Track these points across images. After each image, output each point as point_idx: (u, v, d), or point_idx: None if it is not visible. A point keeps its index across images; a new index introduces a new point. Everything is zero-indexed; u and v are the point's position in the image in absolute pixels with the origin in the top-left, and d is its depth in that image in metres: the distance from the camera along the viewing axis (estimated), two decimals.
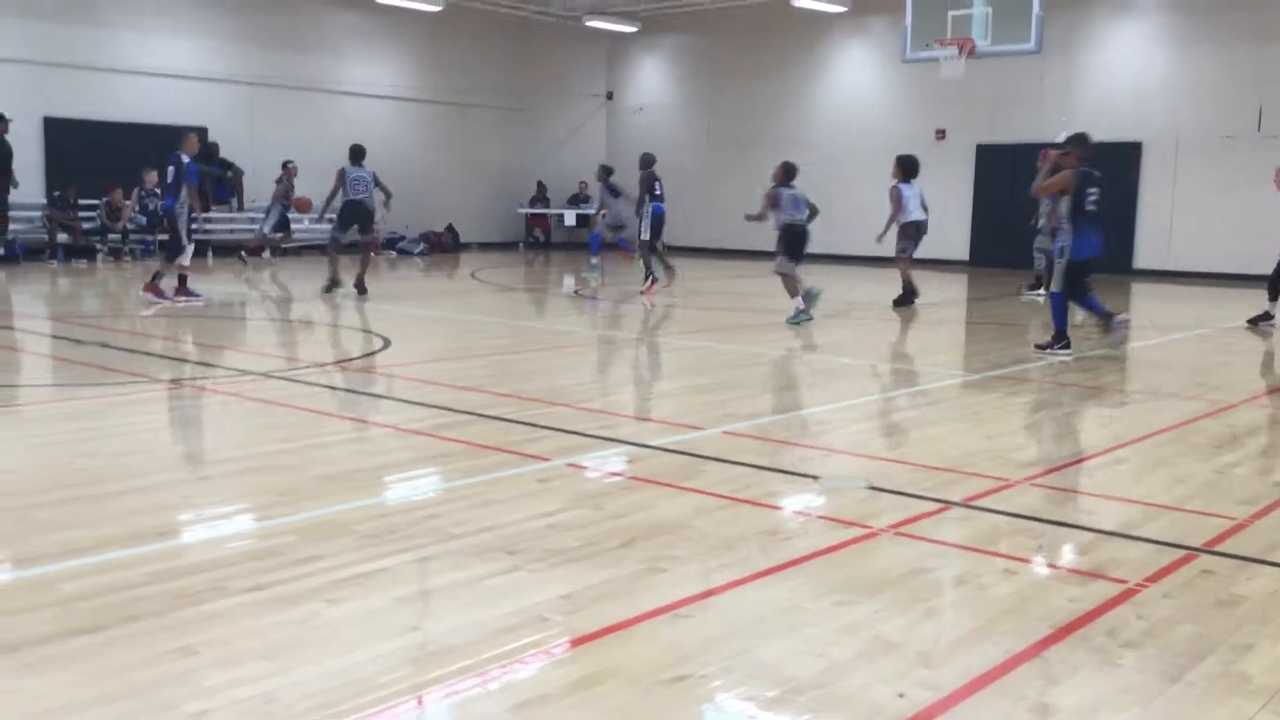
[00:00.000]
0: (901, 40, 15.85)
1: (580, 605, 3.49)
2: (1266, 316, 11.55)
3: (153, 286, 12.12)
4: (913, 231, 13.50)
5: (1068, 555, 4.14)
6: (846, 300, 14.41)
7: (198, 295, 12.35)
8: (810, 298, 11.15)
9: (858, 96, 22.21)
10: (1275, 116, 17.51)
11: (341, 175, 13.20)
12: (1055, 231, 9.64)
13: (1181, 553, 4.12)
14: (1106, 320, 9.30)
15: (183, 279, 12.33)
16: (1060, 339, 9.11)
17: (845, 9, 21.06)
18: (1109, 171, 19.01)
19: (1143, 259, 19.11)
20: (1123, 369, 9.26)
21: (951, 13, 15.13)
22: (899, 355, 9.98)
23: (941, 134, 21.01)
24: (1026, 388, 7.85)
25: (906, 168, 13.41)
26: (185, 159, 12.22)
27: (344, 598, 3.51)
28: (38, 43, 17.88)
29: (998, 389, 7.79)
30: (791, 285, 11.24)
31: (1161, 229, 18.94)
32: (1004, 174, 20.23)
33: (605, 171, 16.55)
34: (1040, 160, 12.97)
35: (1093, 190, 8.88)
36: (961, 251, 20.78)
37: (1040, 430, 6.43)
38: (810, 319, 11.06)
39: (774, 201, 11.19)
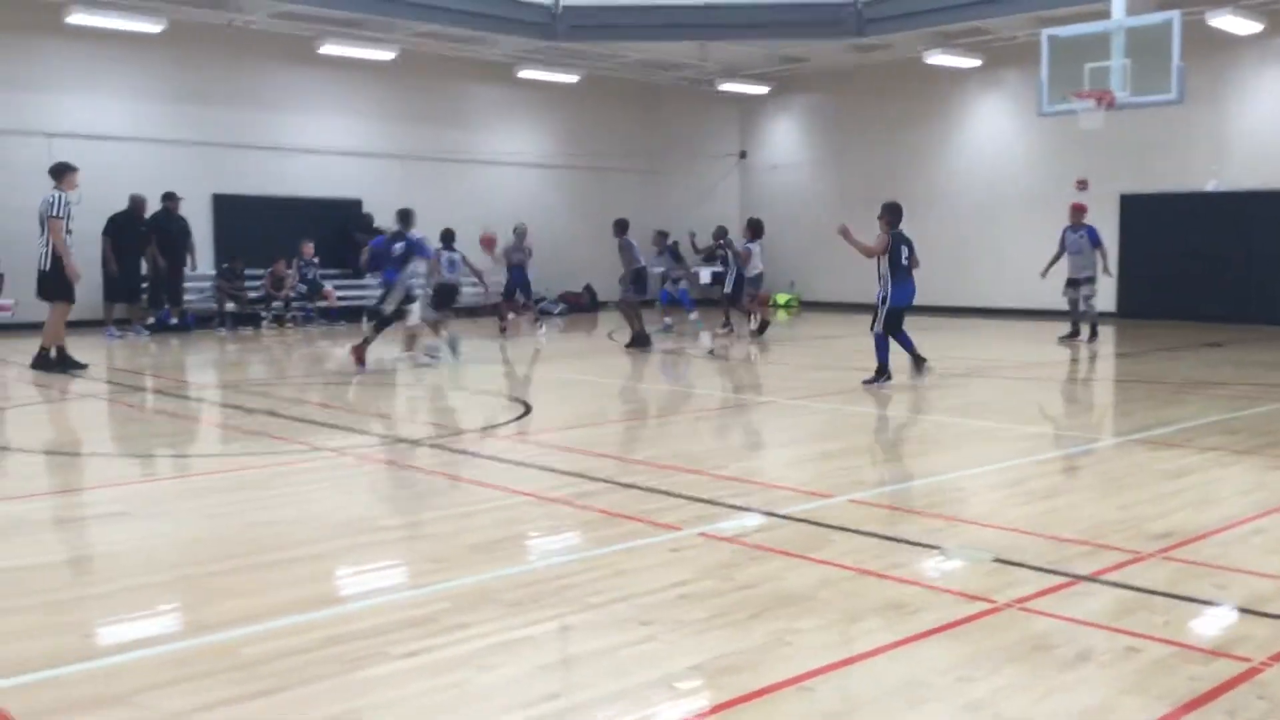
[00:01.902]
0: (1037, 93, 15.75)
1: (710, 676, 3.71)
2: None
3: (358, 352, 12.65)
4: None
5: (1193, 632, 4.16)
6: (985, 357, 14.31)
7: (364, 367, 12.64)
8: (451, 345, 13.13)
9: (994, 149, 22.07)
10: None
11: (437, 256, 14.01)
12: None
13: None
14: (919, 363, 10.97)
15: (366, 342, 12.77)
16: (883, 372, 10.85)
17: (979, 63, 21.02)
18: (1265, 220, 18.54)
19: None
20: (1272, 432, 9.01)
21: (1089, 65, 14.95)
22: (1036, 417, 9.91)
23: (1083, 184, 20.67)
24: (1168, 453, 7.75)
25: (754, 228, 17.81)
26: (416, 235, 12.79)
27: (493, 665, 3.81)
28: (207, 126, 19.28)
29: (1137, 453, 7.71)
30: (428, 330, 13.50)
31: None
32: (1151, 224, 19.80)
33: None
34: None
35: (903, 247, 10.76)
36: (1108, 303, 20.31)
37: (1177, 499, 6.38)
38: (436, 361, 12.98)
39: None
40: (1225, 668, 3.73)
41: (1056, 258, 15.94)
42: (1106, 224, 20.28)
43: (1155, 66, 14.34)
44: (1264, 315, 18.44)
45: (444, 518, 5.98)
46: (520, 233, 17.95)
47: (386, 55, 20.01)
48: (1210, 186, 19.05)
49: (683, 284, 18.49)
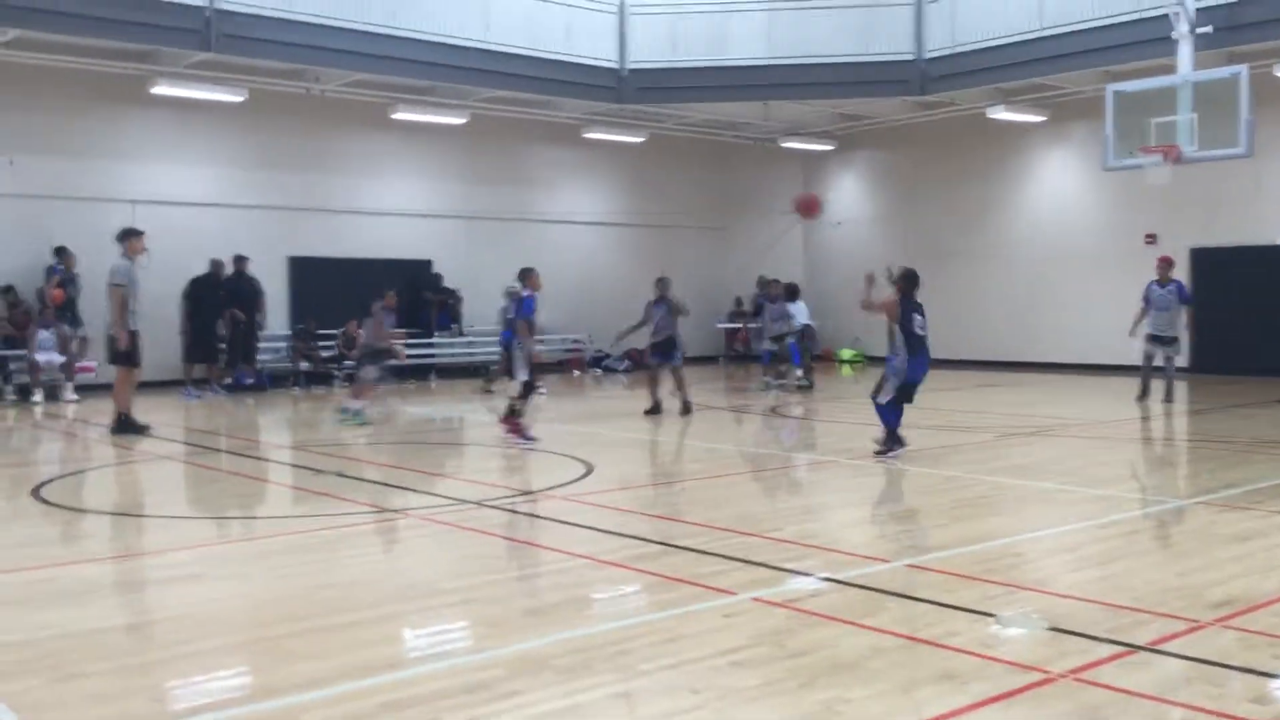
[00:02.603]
0: (1103, 148, 15.69)
1: None
2: None
3: (510, 424, 11.66)
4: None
5: (1252, 706, 4.12)
6: (1050, 415, 14.16)
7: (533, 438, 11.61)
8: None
9: (1059, 203, 21.94)
10: None
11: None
12: None
13: None
14: (892, 440, 10.19)
15: (513, 412, 11.73)
16: (893, 438, 10.17)
17: (1043, 119, 20.98)
18: None
19: None
20: None
21: (1155, 120, 14.90)
22: (1098, 479, 9.75)
23: (1152, 238, 20.43)
24: (1232, 515, 7.62)
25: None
26: (525, 293, 11.85)
27: None
28: (284, 190, 19.93)
29: (1200, 517, 7.61)
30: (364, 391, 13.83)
31: None
32: (1221, 278, 19.48)
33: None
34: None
35: (917, 316, 10.07)
36: (1181, 359, 19.95)
37: (1239, 565, 6.28)
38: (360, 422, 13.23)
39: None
40: None
41: (1143, 314, 15.38)
42: (1177, 277, 20.03)
43: (1223, 120, 14.24)
44: None
45: (502, 580, 6.12)
46: (511, 295, 17.47)
47: (457, 120, 20.55)
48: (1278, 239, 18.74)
49: (790, 339, 18.44)
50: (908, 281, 10.23)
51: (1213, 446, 11.41)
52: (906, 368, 9.99)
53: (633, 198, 24.50)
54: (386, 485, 9.44)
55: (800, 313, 18.55)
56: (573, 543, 6.98)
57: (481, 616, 5.40)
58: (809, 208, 13.03)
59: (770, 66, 20.63)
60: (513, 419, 11.66)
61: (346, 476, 9.72)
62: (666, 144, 24.06)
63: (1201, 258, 19.80)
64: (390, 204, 21.22)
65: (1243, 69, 13.81)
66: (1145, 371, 15.26)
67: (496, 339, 19.04)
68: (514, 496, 8.80)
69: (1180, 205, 19.32)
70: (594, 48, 20.51)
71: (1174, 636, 4.92)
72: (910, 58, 20.43)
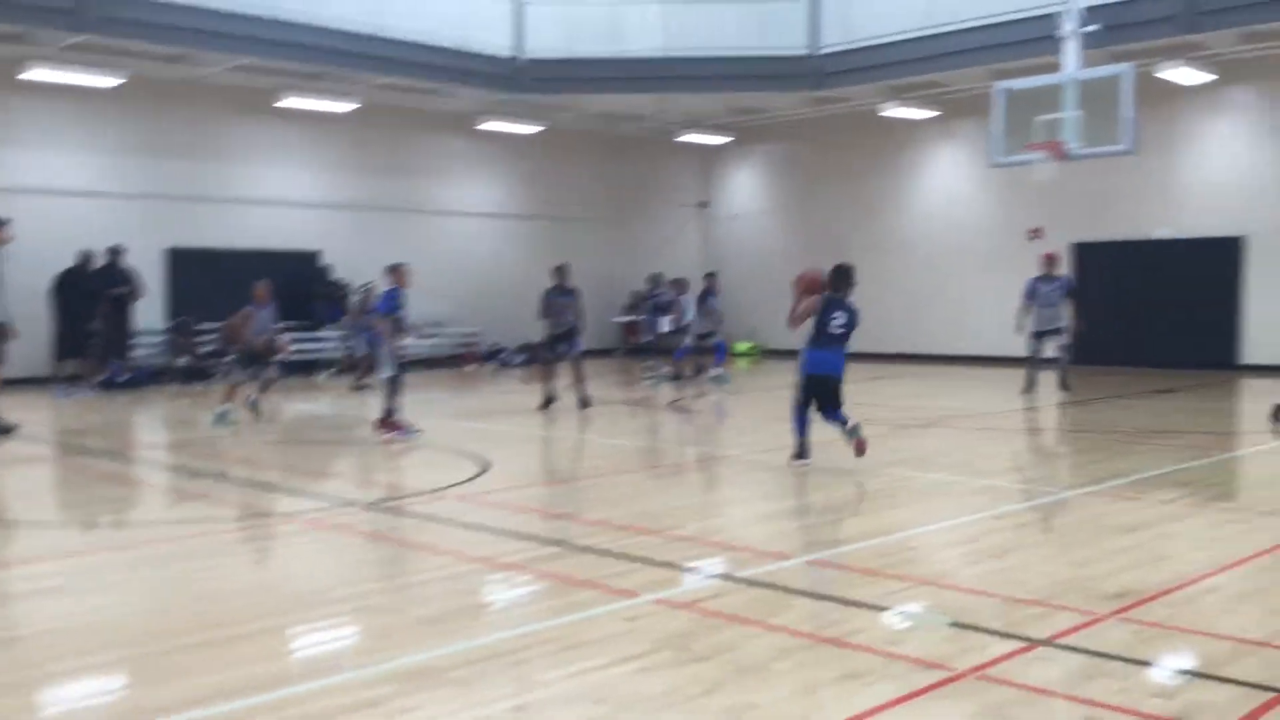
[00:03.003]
0: (991, 145, 15.95)
1: None
2: None
3: (386, 425, 11.51)
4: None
5: (1153, 700, 4.13)
6: (941, 407, 14.37)
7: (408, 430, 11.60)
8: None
9: (950, 198, 22.35)
10: None
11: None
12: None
13: (1270, 695, 4.08)
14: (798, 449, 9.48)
15: (387, 414, 11.60)
16: (801, 453, 9.43)
17: (934, 115, 21.32)
18: (1211, 266, 18.86)
19: (1250, 354, 18.65)
20: (1223, 483, 9.08)
21: (1041, 117, 15.17)
22: (990, 470, 9.89)
23: (1036, 232, 20.92)
24: (1120, 506, 7.77)
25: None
26: (385, 288, 11.89)
27: None
28: (163, 179, 19.13)
29: (1089, 507, 7.73)
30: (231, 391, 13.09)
31: (1269, 323, 18.49)
32: (1103, 271, 20.05)
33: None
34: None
35: (837, 315, 9.41)
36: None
37: (1130, 555, 6.37)
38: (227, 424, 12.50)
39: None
40: None
41: (1026, 309, 15.45)
42: (1061, 272, 20.57)
43: (1106, 118, 14.55)
44: (1213, 360, 18.69)
45: (394, 588, 5.88)
46: (367, 290, 17.08)
47: (346, 107, 19.99)
48: (1160, 234, 19.36)
49: (718, 336, 18.40)
50: (837, 278, 9.58)
51: (1097, 437, 11.68)
52: (805, 360, 9.44)
53: (529, 190, 24.20)
54: (270, 487, 9.07)
55: (689, 307, 18.71)
56: (468, 545, 6.76)
57: (373, 627, 5.17)
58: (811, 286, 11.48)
59: (667, 59, 20.54)
60: (387, 420, 11.50)
61: (227, 479, 9.32)
62: (563, 136, 23.83)
63: (1084, 252, 20.35)
64: (275, 193, 20.55)
65: (1126, 68, 14.14)
66: (1031, 365, 15.46)
67: (354, 334, 18.47)
68: (406, 497, 8.53)
69: (1065, 201, 19.82)
70: (489, 37, 20.16)
71: (1073, 630, 4.93)
72: (805, 53, 20.57)
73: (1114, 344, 19.74)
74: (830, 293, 9.49)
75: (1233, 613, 5.17)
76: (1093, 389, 16.25)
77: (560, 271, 14.52)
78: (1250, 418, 14.22)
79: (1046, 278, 15.51)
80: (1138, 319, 19.69)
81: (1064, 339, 15.35)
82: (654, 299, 19.65)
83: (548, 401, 14.03)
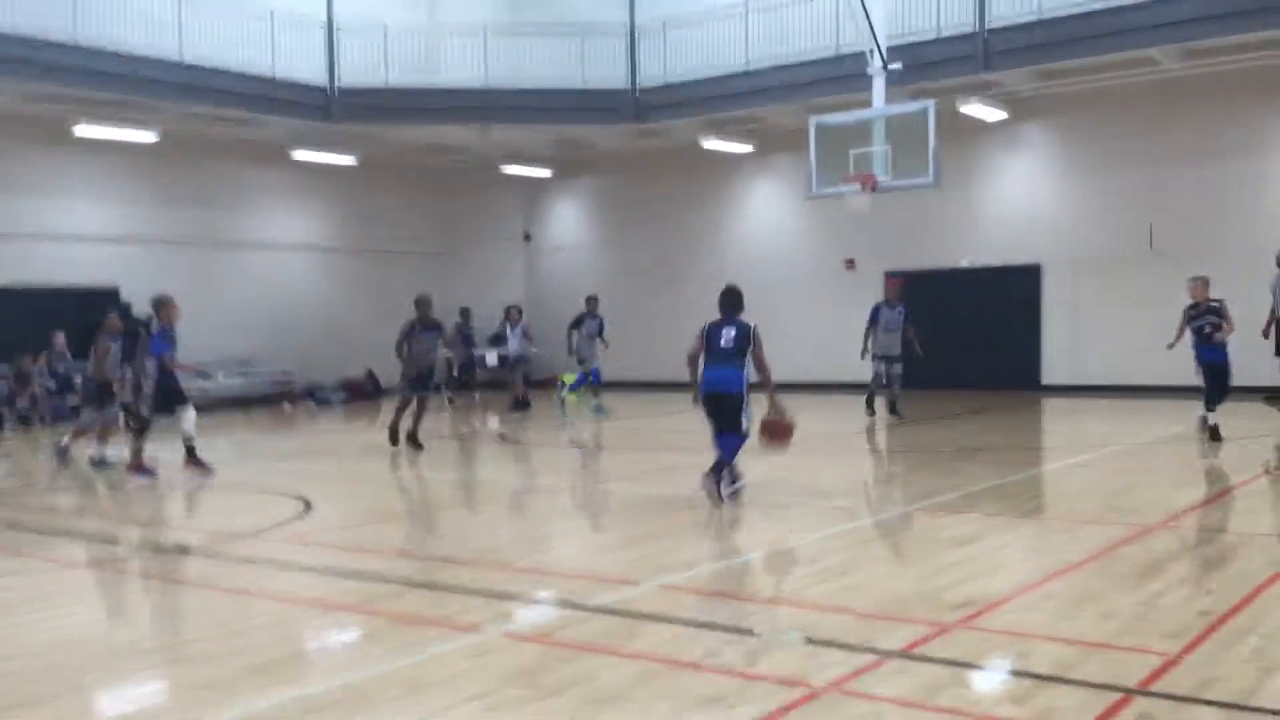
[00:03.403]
0: (807, 177, 16.39)
1: None
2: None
3: (135, 465, 11.07)
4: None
5: (1006, 705, 4.15)
6: None
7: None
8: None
9: (768, 230, 22.85)
10: (1164, 234, 18.35)
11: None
12: None
13: (1117, 695, 4.15)
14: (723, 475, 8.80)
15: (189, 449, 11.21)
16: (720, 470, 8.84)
17: (750, 149, 21.81)
18: (1012, 293, 19.84)
19: (1050, 375, 19.68)
20: (1041, 495, 9.45)
21: (853, 151, 15.68)
22: (828, 491, 10.01)
23: (850, 263, 21.62)
24: (952, 519, 7.95)
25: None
26: (155, 330, 11.32)
27: None
28: None
29: (923, 522, 7.89)
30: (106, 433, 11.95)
31: (1065, 346, 19.58)
32: (913, 299, 20.80)
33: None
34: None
35: (725, 330, 9.14)
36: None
37: (968, 567, 6.50)
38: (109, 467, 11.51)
39: None
40: None
41: (870, 334, 15.41)
42: (872, 300, 21.26)
43: (914, 152, 15.17)
44: (1017, 381, 19.63)
45: (216, 635, 5.42)
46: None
47: (148, 137, 18.96)
48: (964, 263, 20.27)
49: (594, 364, 18.17)
50: (724, 299, 9.49)
51: (924, 456, 12.03)
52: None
53: (348, 223, 23.49)
54: (74, 534, 8.36)
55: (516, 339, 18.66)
56: (297, 588, 6.35)
57: (195, 678, 4.72)
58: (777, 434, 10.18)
59: (485, 90, 20.39)
60: (137, 459, 11.03)
61: (22, 529, 8.56)
62: (382, 167, 23.28)
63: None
64: (70, 227, 19.27)
65: (930, 104, 14.77)
66: (873, 388, 15.61)
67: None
68: (224, 541, 7.99)
69: (877, 232, 20.53)
70: (302, 65, 19.55)
71: (924, 641, 4.95)
72: (625, 87, 20.76)
73: (930, 368, 20.51)
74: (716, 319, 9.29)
75: (1072, 618, 5.30)
76: (914, 410, 16.77)
77: (421, 304, 13.39)
78: (1056, 434, 14.97)
79: (890, 304, 15.69)
80: (948, 344, 20.53)
81: (900, 366, 15.38)
82: (464, 333, 19.64)
83: (395, 438, 13.11)
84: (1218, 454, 11.16)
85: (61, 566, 7.20)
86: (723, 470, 8.72)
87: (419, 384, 13.10)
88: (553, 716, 4.10)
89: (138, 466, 11.05)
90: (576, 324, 18.20)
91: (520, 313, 19.73)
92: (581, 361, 18.08)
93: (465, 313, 20.97)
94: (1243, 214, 17.71)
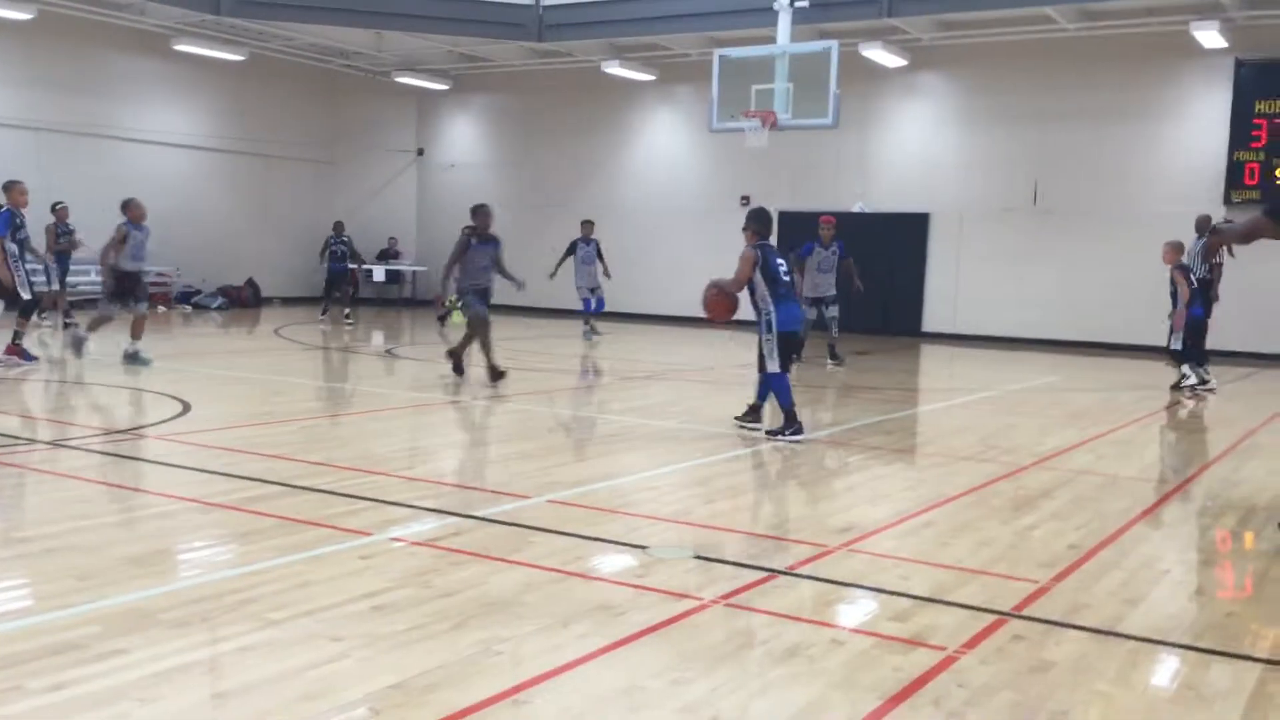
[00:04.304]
0: (708, 110, 16.35)
1: (413, 695, 3.38)
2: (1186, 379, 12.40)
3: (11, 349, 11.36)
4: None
5: (889, 623, 4.28)
6: (663, 361, 14.65)
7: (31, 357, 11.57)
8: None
9: (666, 160, 22.77)
10: (1048, 191, 18.91)
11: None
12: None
13: (993, 617, 4.32)
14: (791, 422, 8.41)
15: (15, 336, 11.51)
16: (792, 421, 8.38)
17: (653, 77, 21.62)
18: (901, 240, 20.24)
19: (930, 323, 20.19)
20: (921, 433, 9.72)
21: (755, 86, 15.67)
22: (715, 419, 10.13)
23: (746, 200, 21.71)
24: (837, 451, 8.13)
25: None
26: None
27: (156, 696, 3.29)
28: None
29: (811, 452, 8.04)
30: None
31: (947, 295, 20.08)
32: (803, 240, 21.02)
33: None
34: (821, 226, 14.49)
35: (780, 261, 8.54)
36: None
37: (851, 495, 6.67)
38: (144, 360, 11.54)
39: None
40: (924, 657, 3.83)
41: (801, 274, 13.69)
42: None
43: (814, 92, 15.23)
44: (902, 327, 20.11)
45: (90, 527, 5.23)
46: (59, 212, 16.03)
47: (22, 15, 17.82)
48: (857, 208, 20.55)
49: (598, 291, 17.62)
50: (760, 222, 8.56)
51: (812, 392, 12.22)
52: (778, 318, 8.32)
53: (232, 122, 22.55)
54: None
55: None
56: (175, 485, 6.16)
57: (69, 568, 4.56)
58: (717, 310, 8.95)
59: None
60: (14, 345, 11.38)
61: None
62: (270, 66, 22.37)
63: (787, 221, 21.30)
64: None
65: (833, 44, 14.81)
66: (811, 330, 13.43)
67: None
68: (96, 436, 7.70)
69: (773, 171, 20.65)
70: None
71: (808, 561, 5.06)
72: (528, 3, 20.29)
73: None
74: (760, 242, 8.50)
75: (949, 545, 5.48)
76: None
77: (480, 214, 11.30)
78: (935, 377, 15.40)
79: (825, 243, 14.32)
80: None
81: (836, 309, 14.12)
82: (334, 247, 19.07)
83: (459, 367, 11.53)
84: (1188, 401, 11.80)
85: None
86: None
87: (482, 299, 11.22)
88: (445, 617, 4.08)
89: (16, 349, 11.33)
90: (570, 251, 17.55)
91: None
92: (592, 291, 17.44)
93: (339, 226, 20.31)
94: (1126, 177, 18.34)
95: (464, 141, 25.33)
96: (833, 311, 14.05)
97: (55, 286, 16.14)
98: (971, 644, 3.98)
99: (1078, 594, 4.67)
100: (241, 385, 11.13)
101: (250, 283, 22.38)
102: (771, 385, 8.49)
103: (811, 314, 13.46)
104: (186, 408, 8.95)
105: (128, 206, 12.05)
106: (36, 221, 17.59)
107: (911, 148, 20.38)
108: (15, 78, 19.03)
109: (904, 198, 20.26)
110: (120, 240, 11.86)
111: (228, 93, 22.28)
